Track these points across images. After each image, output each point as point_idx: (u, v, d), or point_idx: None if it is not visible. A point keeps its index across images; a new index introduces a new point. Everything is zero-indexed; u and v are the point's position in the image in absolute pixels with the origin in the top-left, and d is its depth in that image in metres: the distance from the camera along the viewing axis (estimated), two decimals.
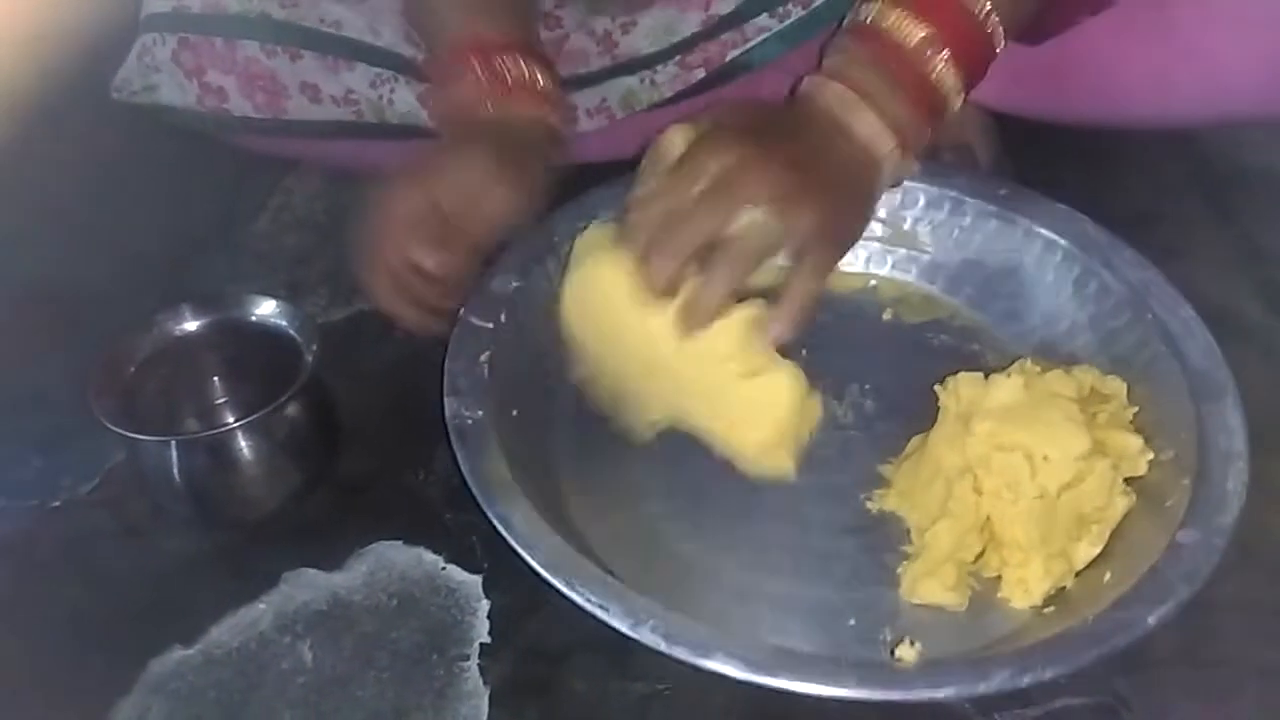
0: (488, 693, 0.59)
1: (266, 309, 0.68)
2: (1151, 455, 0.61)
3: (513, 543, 0.57)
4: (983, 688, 0.51)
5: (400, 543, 0.65)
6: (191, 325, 0.68)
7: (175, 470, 0.63)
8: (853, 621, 0.59)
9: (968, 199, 0.73)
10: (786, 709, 0.57)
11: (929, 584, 0.59)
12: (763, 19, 0.79)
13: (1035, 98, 0.80)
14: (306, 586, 0.64)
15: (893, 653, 0.57)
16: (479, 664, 0.60)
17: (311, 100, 0.80)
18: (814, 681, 0.52)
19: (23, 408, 0.75)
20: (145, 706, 0.59)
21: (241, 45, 0.79)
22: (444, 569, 0.64)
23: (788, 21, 0.79)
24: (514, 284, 0.69)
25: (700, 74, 0.80)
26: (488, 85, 0.69)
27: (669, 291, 0.56)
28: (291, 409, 0.65)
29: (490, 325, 0.67)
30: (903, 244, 0.75)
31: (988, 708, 0.57)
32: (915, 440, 0.64)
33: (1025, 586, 0.58)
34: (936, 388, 0.63)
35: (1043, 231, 0.70)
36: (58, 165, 0.91)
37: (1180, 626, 0.59)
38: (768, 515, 0.63)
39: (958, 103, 0.63)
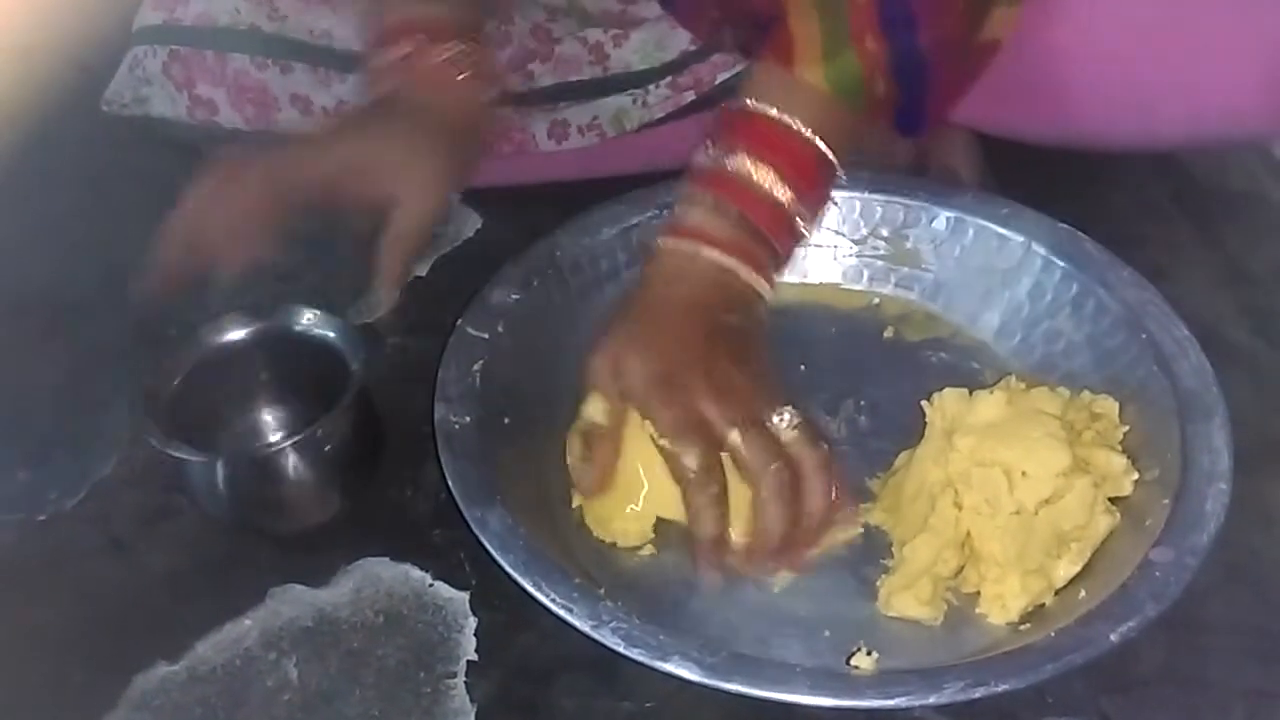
0: (474, 710, 0.59)
1: (311, 319, 0.67)
2: (1136, 475, 0.61)
3: (485, 543, 0.58)
4: (934, 699, 0.52)
5: (387, 559, 0.65)
6: (236, 335, 0.68)
7: (221, 484, 0.63)
8: (828, 633, 0.59)
9: (969, 217, 0.73)
10: None
11: (904, 598, 0.59)
12: None
13: (1020, 119, 0.81)
14: (293, 603, 0.63)
15: (848, 661, 0.57)
16: (466, 681, 0.60)
17: (303, 112, 0.81)
18: (767, 687, 0.52)
19: (9, 420, 0.74)
20: None
21: (232, 58, 0.80)
22: (431, 586, 0.64)
23: None
24: (513, 296, 0.70)
25: (690, 96, 0.81)
26: (404, 67, 0.69)
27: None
28: (341, 421, 0.64)
29: (486, 336, 0.67)
30: (905, 262, 0.75)
31: None
32: (903, 456, 0.64)
33: (1002, 602, 0.58)
34: (924, 403, 0.63)
35: (1042, 250, 0.71)
36: (48, 178, 0.91)
37: (1166, 647, 0.60)
38: None
39: (813, 222, 0.64)
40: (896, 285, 0.76)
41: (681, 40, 0.80)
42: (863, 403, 0.69)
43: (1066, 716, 0.58)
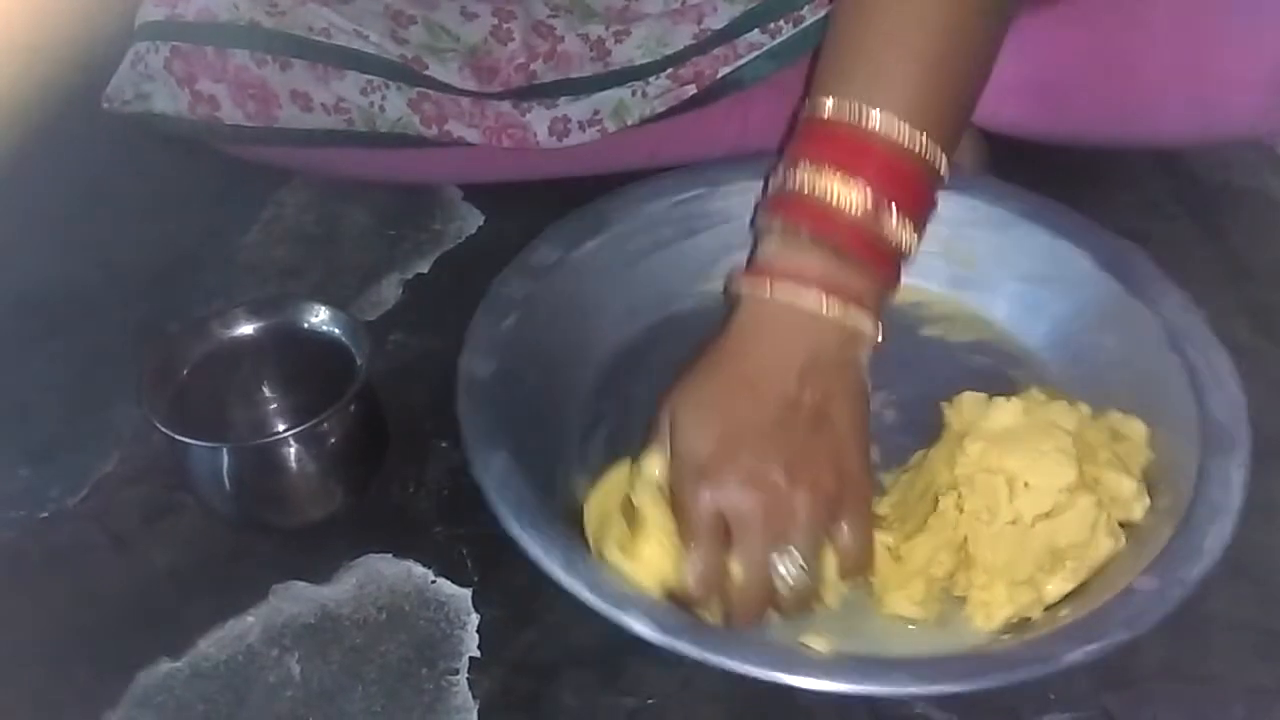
0: (476, 707, 0.59)
1: (319, 315, 0.67)
2: (1148, 502, 0.60)
3: (483, 485, 0.58)
4: (867, 687, 0.52)
5: (390, 556, 0.65)
6: (244, 329, 0.68)
7: (225, 475, 0.63)
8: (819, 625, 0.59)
9: (1027, 222, 0.71)
10: None
11: (896, 596, 0.59)
12: (754, 35, 0.79)
13: (1026, 117, 0.81)
14: (295, 599, 0.63)
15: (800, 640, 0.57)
16: (468, 678, 0.60)
17: (303, 109, 0.81)
18: (712, 652, 0.53)
19: (11, 418, 0.74)
20: (132, 719, 0.58)
21: (232, 54, 0.79)
22: (434, 582, 0.64)
23: (779, 39, 0.79)
24: (555, 256, 0.70)
25: (691, 90, 0.81)
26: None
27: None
28: (346, 415, 0.64)
29: (523, 293, 0.68)
30: (959, 261, 0.73)
31: None
32: (919, 454, 0.64)
33: (988, 610, 0.58)
34: (943, 404, 0.63)
35: (1097, 264, 0.69)
36: (49, 175, 0.91)
37: (1170, 643, 0.59)
38: None
39: (917, 241, 0.58)
40: (948, 284, 0.74)
41: (684, 35, 0.80)
42: (893, 398, 0.69)
43: (1069, 712, 0.58)
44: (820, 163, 0.56)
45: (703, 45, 0.80)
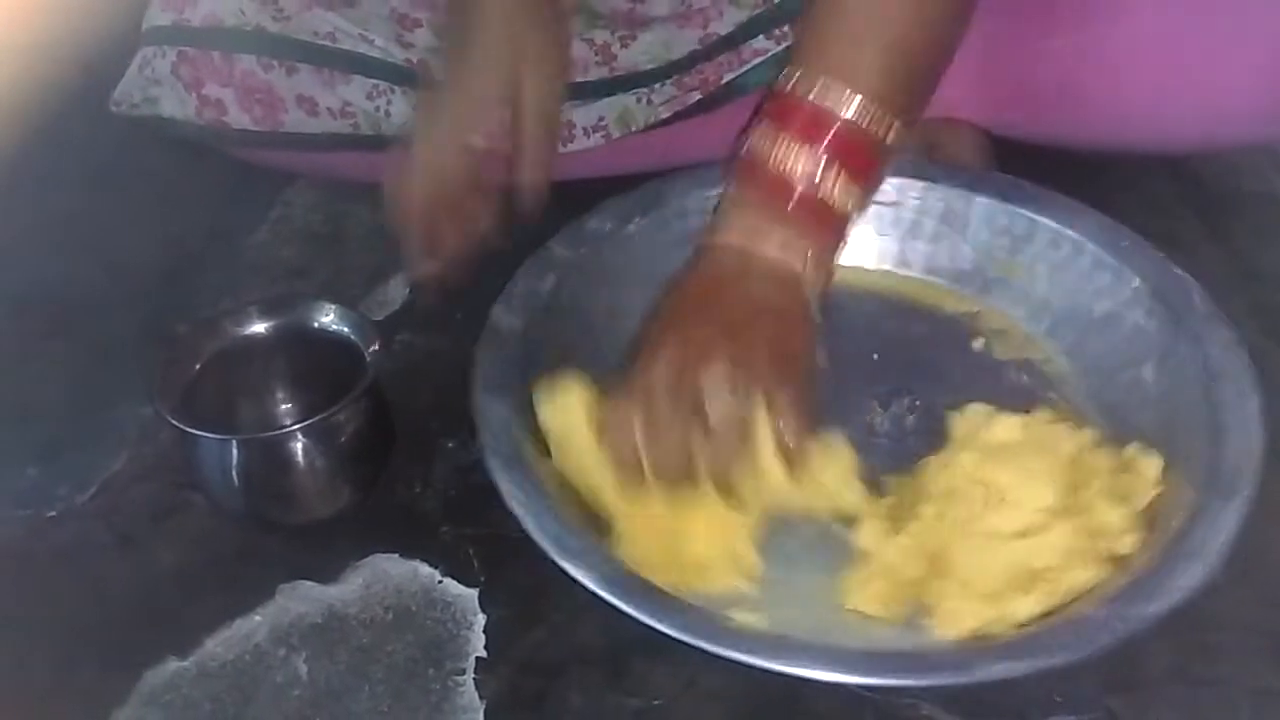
0: (483, 707, 0.59)
1: (329, 314, 0.67)
2: (1138, 536, 0.59)
3: (480, 430, 0.60)
4: (782, 665, 0.52)
5: (396, 556, 0.65)
6: (255, 328, 0.68)
7: (234, 469, 0.63)
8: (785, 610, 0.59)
9: (1089, 244, 0.71)
10: None
11: (861, 593, 0.59)
12: (759, 41, 0.80)
13: (1032, 121, 0.81)
14: (302, 599, 0.64)
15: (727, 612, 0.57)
16: (475, 678, 0.60)
17: (309, 113, 0.81)
18: (655, 618, 0.53)
19: (18, 417, 0.75)
20: (139, 718, 0.59)
21: (239, 59, 0.80)
22: (440, 582, 0.64)
23: (784, 45, 0.79)
24: (609, 225, 0.71)
25: (696, 96, 0.81)
26: None
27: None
28: (355, 411, 0.64)
29: (568, 255, 0.69)
30: (1018, 278, 0.73)
31: None
32: (923, 461, 0.64)
33: (953, 619, 0.57)
34: (951, 414, 0.63)
35: (1149, 294, 0.68)
36: (57, 176, 0.91)
37: (1174, 645, 0.60)
38: None
39: (861, 206, 0.64)
40: (1003, 299, 0.74)
41: (689, 41, 0.80)
42: (918, 403, 0.68)
43: (1074, 714, 0.58)
44: (778, 130, 0.62)
45: (708, 51, 0.80)
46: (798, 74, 0.63)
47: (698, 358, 0.58)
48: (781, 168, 0.62)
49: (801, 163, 0.61)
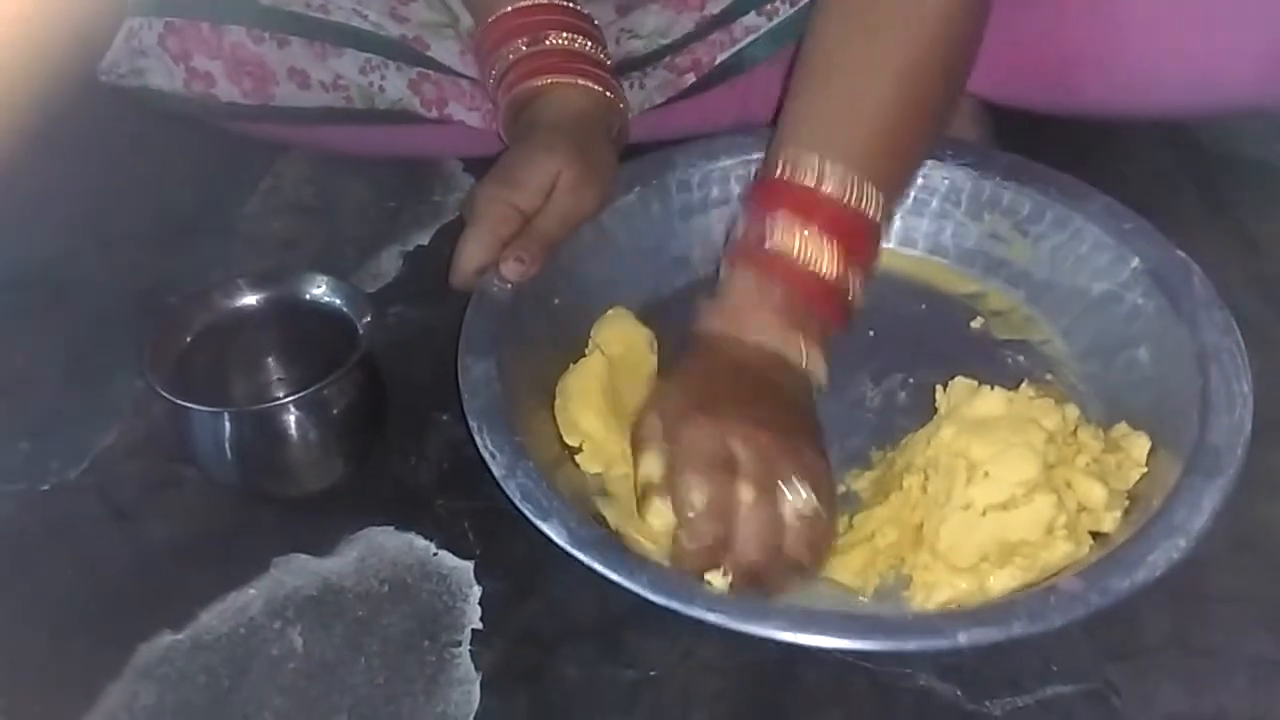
0: (479, 679, 0.59)
1: (321, 286, 0.67)
2: (1118, 513, 0.59)
3: (461, 387, 0.61)
4: (756, 628, 0.52)
5: (392, 529, 0.65)
6: (246, 300, 0.67)
7: (226, 442, 0.63)
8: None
9: (1090, 226, 0.70)
10: (777, 694, 0.58)
11: (835, 562, 0.59)
12: (750, 18, 0.79)
13: (1032, 90, 0.80)
14: (297, 572, 0.63)
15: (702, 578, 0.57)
16: (470, 650, 0.60)
17: (300, 86, 0.80)
18: (616, 572, 0.54)
19: (10, 391, 0.74)
20: (134, 692, 0.59)
21: (228, 30, 0.79)
22: (435, 555, 0.64)
23: (776, 20, 0.78)
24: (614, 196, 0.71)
25: (690, 78, 0.80)
26: (546, 63, 0.70)
27: None
28: (347, 383, 0.64)
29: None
30: (1020, 258, 0.73)
31: (977, 695, 0.57)
32: (908, 436, 0.64)
33: (927, 591, 0.57)
34: (937, 387, 0.63)
35: (1148, 276, 0.68)
36: (46, 149, 0.90)
37: (1172, 615, 0.60)
38: None
39: (861, 280, 0.63)
40: (1006, 281, 0.74)
41: (685, 24, 0.80)
42: (911, 381, 0.68)
43: (1071, 684, 0.58)
44: (787, 217, 0.61)
45: (700, 31, 0.80)
46: (784, 154, 0.63)
47: (770, 444, 0.56)
48: (778, 248, 0.61)
49: (797, 241, 0.61)
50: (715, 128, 0.80)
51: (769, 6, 0.78)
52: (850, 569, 0.58)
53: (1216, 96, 0.75)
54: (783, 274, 0.61)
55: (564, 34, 0.72)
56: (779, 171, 0.62)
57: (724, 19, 0.79)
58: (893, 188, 0.64)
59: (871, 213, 0.62)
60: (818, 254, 0.61)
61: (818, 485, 0.56)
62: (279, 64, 0.79)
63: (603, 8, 0.80)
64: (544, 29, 0.72)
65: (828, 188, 0.61)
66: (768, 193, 0.63)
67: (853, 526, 0.60)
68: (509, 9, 0.72)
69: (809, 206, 0.61)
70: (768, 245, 0.61)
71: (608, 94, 0.71)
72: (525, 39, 0.71)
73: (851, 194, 0.61)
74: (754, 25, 0.79)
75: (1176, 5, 0.72)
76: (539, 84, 0.70)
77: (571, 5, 0.73)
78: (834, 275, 0.61)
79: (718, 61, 0.80)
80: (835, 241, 0.61)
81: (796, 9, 0.77)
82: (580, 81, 0.71)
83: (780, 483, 0.55)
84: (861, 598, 0.58)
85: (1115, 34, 0.75)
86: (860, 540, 0.59)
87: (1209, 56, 0.73)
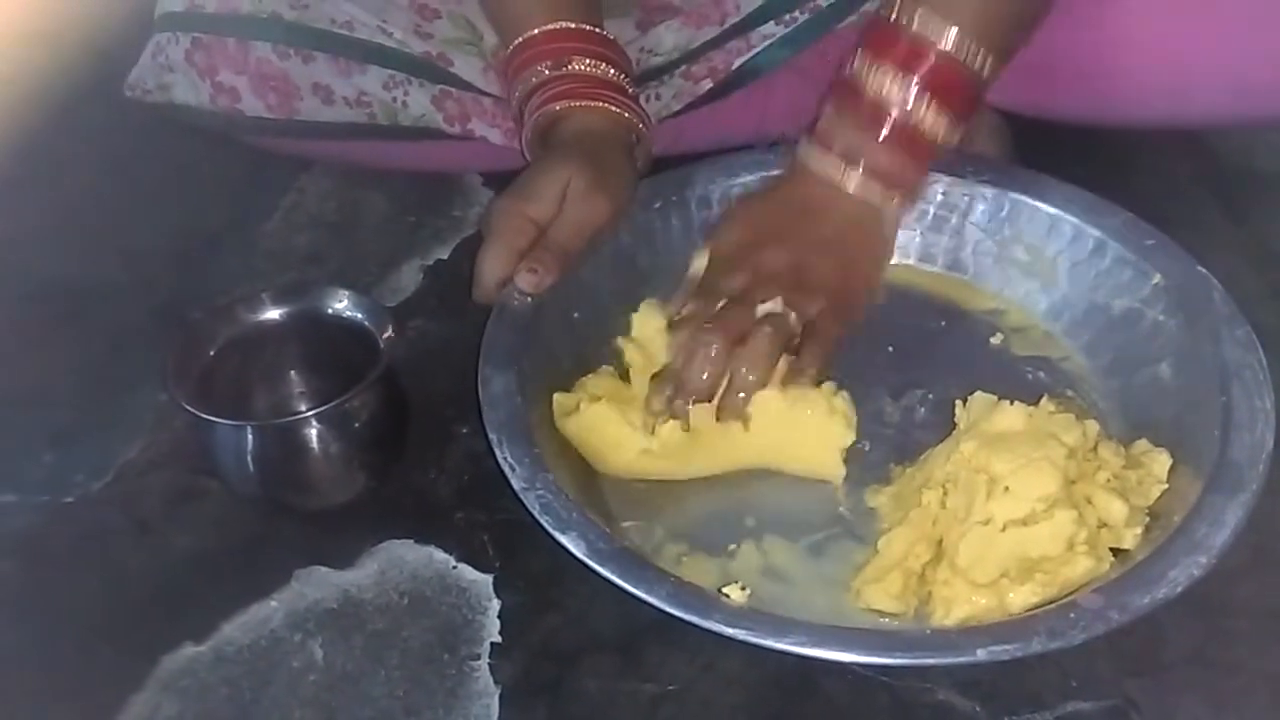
0: (498, 692, 0.59)
1: (343, 300, 0.68)
2: (1139, 530, 0.59)
3: (481, 400, 0.62)
4: (747, 634, 0.52)
5: (411, 542, 0.65)
6: (269, 314, 0.68)
7: (249, 455, 0.63)
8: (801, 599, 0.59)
9: (1111, 242, 0.70)
10: (797, 708, 0.58)
11: (874, 590, 0.58)
12: (768, 26, 0.79)
13: (1052, 98, 0.80)
14: (318, 584, 0.64)
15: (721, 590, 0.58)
16: (490, 663, 0.60)
17: (324, 102, 0.80)
18: (635, 585, 0.54)
19: (35, 404, 0.75)
20: (156, 703, 0.59)
21: (254, 46, 0.79)
22: (455, 568, 0.64)
23: (791, 28, 0.79)
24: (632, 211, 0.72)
25: (708, 84, 0.81)
26: (568, 88, 0.71)
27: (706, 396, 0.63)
28: (369, 397, 0.65)
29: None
30: (1040, 275, 0.73)
31: (997, 711, 0.57)
32: (928, 451, 0.64)
33: (947, 607, 0.57)
34: (956, 402, 0.63)
35: (1169, 293, 0.67)
36: (71, 162, 0.91)
37: (1193, 630, 0.59)
38: (766, 484, 0.65)
39: (953, 138, 0.67)
40: (1026, 296, 0.74)
41: (705, 36, 0.80)
42: (930, 396, 0.68)
43: (1091, 700, 0.57)
44: (879, 60, 0.66)
45: (717, 39, 0.80)
46: (898, 4, 0.65)
47: (759, 285, 0.64)
48: (878, 95, 0.65)
49: (897, 90, 0.65)
50: (734, 140, 0.81)
51: (787, 16, 0.79)
52: (889, 594, 0.58)
53: (1239, 105, 0.75)
54: (879, 116, 0.65)
55: (587, 60, 0.72)
56: (891, 16, 0.65)
57: (741, 28, 0.79)
58: (999, 46, 0.66)
59: (976, 67, 0.65)
60: (914, 101, 0.65)
61: (821, 304, 0.64)
62: (303, 79, 0.80)
63: (623, 24, 0.80)
64: (569, 54, 0.72)
65: (936, 41, 0.64)
66: (876, 38, 0.66)
67: (880, 551, 0.60)
68: (535, 32, 0.73)
69: (914, 55, 0.65)
70: (869, 88, 0.65)
71: (626, 115, 0.72)
72: (549, 63, 0.72)
73: (960, 49, 0.64)
74: (770, 32, 0.79)
75: (1204, 13, 0.72)
76: (560, 108, 0.71)
77: (597, 31, 0.74)
78: (925, 124, 0.65)
79: (734, 66, 0.80)
80: (934, 92, 0.65)
81: (813, 14, 0.78)
82: (601, 105, 0.71)
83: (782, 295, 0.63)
84: (886, 619, 0.58)
85: (1135, 42, 0.75)
86: (893, 564, 0.59)
87: (1236, 65, 0.72)
